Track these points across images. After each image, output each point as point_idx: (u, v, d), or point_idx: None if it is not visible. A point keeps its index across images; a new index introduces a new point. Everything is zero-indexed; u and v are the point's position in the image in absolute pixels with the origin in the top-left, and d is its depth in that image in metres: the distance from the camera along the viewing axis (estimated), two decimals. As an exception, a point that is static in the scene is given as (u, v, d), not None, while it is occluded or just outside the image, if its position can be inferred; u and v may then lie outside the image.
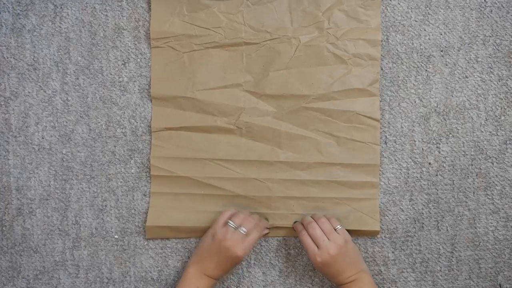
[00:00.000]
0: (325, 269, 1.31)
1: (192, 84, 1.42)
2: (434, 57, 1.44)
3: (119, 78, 1.45)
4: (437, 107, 1.43)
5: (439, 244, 1.44)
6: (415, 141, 1.44)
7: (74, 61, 1.45)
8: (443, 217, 1.44)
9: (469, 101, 1.44)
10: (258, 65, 1.43)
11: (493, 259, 1.44)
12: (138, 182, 1.45)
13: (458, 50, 1.44)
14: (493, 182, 1.44)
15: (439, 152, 1.44)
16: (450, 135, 1.43)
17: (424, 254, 1.44)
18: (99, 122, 1.45)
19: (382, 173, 1.44)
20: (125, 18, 1.45)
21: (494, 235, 1.44)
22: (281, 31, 1.42)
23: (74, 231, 1.45)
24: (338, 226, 1.34)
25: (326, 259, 1.28)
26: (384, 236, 1.44)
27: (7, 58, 1.44)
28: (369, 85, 1.42)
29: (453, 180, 1.44)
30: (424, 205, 1.44)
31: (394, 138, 1.44)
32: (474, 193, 1.44)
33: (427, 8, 1.44)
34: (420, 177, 1.44)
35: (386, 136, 1.43)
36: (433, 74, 1.44)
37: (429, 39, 1.44)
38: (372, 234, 1.44)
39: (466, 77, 1.44)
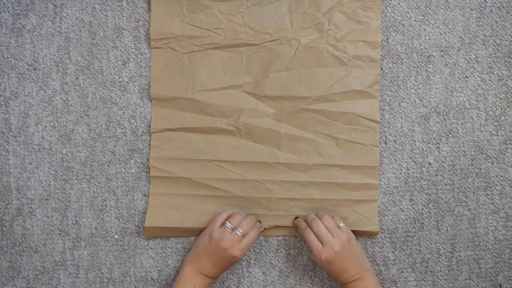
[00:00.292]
0: (329, 267, 1.31)
1: (191, 85, 1.42)
2: (434, 57, 1.44)
3: (119, 78, 1.45)
4: (437, 107, 1.43)
5: (439, 244, 1.44)
6: (415, 141, 1.44)
7: (74, 61, 1.45)
8: (443, 217, 1.44)
9: (469, 101, 1.43)
10: (258, 66, 1.42)
11: (493, 259, 1.44)
12: (138, 182, 1.45)
13: (458, 50, 1.44)
14: (493, 182, 1.44)
15: (439, 152, 1.44)
16: (450, 135, 1.43)
17: (424, 254, 1.44)
18: (99, 122, 1.45)
19: (382, 173, 1.44)
20: (125, 18, 1.45)
21: (494, 235, 1.44)
22: (281, 33, 1.42)
23: (74, 231, 1.45)
24: (341, 224, 1.34)
25: (331, 256, 1.29)
26: (384, 236, 1.44)
27: (7, 58, 1.44)
28: (368, 87, 1.42)
29: (453, 180, 1.44)
30: (424, 205, 1.44)
31: (394, 138, 1.44)
32: (474, 193, 1.44)
33: (427, 8, 1.44)
34: (420, 177, 1.44)
35: (386, 136, 1.43)
36: (433, 74, 1.44)
37: (429, 39, 1.44)
38: (371, 235, 1.44)
39: (466, 77, 1.44)
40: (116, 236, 1.45)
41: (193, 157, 1.42)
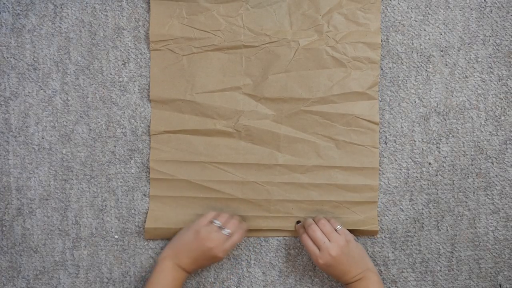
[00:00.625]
0: (329, 270, 1.32)
1: (191, 87, 1.42)
2: (434, 57, 1.44)
3: (119, 78, 1.45)
4: (437, 107, 1.43)
5: (439, 244, 1.44)
6: (415, 141, 1.44)
7: (74, 61, 1.45)
8: (443, 217, 1.44)
9: (469, 101, 1.43)
10: (257, 68, 1.42)
11: (493, 259, 1.45)
12: (138, 182, 1.45)
13: (458, 50, 1.44)
14: (493, 182, 1.44)
15: (439, 152, 1.44)
16: (450, 135, 1.43)
17: (424, 254, 1.44)
18: (99, 122, 1.45)
19: (382, 173, 1.44)
20: (125, 18, 1.44)
21: (494, 235, 1.44)
22: (280, 34, 1.41)
23: (74, 231, 1.45)
24: (338, 226, 1.34)
25: (328, 261, 1.29)
26: (384, 236, 1.44)
27: (7, 58, 1.44)
28: (368, 88, 1.42)
29: (453, 180, 1.44)
30: (424, 205, 1.44)
31: (394, 138, 1.44)
32: (474, 193, 1.44)
33: (427, 8, 1.43)
34: (420, 177, 1.44)
35: (386, 136, 1.43)
36: (433, 74, 1.44)
37: (429, 39, 1.44)
38: (370, 234, 1.45)
39: (466, 77, 1.43)
40: (116, 236, 1.45)
41: (193, 159, 1.42)
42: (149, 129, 1.44)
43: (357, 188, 1.43)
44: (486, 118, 1.43)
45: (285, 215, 1.43)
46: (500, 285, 1.45)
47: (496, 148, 1.43)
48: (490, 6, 1.43)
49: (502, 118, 1.43)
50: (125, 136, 1.44)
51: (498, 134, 1.43)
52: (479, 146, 1.43)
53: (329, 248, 1.29)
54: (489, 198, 1.44)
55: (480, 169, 1.44)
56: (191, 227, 1.36)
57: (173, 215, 1.43)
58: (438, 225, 1.44)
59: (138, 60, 1.44)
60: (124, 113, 1.44)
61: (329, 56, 1.41)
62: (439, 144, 1.44)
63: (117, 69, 1.45)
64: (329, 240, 1.31)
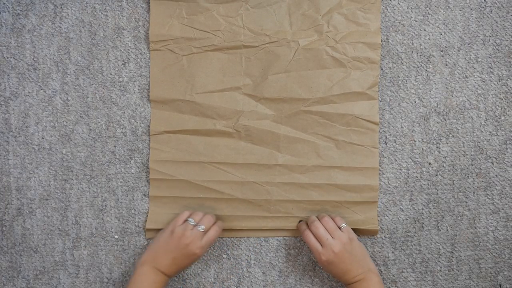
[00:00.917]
0: (330, 268, 1.31)
1: (191, 87, 1.42)
2: (434, 57, 1.43)
3: (119, 78, 1.44)
4: (437, 107, 1.43)
5: (439, 244, 1.44)
6: (415, 141, 1.44)
7: (74, 61, 1.45)
8: (443, 217, 1.44)
9: (469, 101, 1.43)
10: (257, 68, 1.42)
11: (493, 259, 1.44)
12: (138, 182, 1.45)
13: (458, 50, 1.44)
14: (493, 182, 1.44)
15: (439, 152, 1.44)
16: (450, 135, 1.43)
17: (424, 254, 1.44)
18: (99, 122, 1.45)
19: (382, 173, 1.44)
20: (125, 18, 1.44)
21: (494, 235, 1.44)
22: (280, 35, 1.41)
23: (74, 231, 1.45)
24: (343, 224, 1.34)
25: (331, 257, 1.29)
26: (384, 236, 1.44)
27: (7, 58, 1.44)
28: (368, 88, 1.42)
29: (453, 180, 1.44)
30: (424, 205, 1.44)
31: (394, 138, 1.43)
32: (474, 193, 1.44)
33: (427, 8, 1.43)
34: (420, 177, 1.44)
35: (386, 136, 1.43)
36: (433, 74, 1.43)
37: (429, 39, 1.44)
38: (370, 233, 1.45)
39: (466, 77, 1.43)
40: (116, 236, 1.45)
41: (193, 159, 1.43)
42: (149, 129, 1.44)
43: (357, 188, 1.42)
44: (486, 118, 1.43)
45: (285, 215, 1.43)
46: (500, 285, 1.45)
47: (496, 148, 1.43)
48: (490, 6, 1.43)
49: (502, 118, 1.43)
50: (125, 136, 1.44)
51: (498, 134, 1.43)
52: (479, 146, 1.43)
53: (332, 245, 1.29)
54: (489, 198, 1.44)
55: (480, 169, 1.44)
56: (167, 228, 1.36)
57: (173, 215, 1.43)
58: (438, 225, 1.44)
59: (138, 60, 1.44)
60: (124, 113, 1.44)
61: (329, 56, 1.41)
62: (439, 144, 1.44)
63: (117, 69, 1.45)
64: (332, 237, 1.31)
